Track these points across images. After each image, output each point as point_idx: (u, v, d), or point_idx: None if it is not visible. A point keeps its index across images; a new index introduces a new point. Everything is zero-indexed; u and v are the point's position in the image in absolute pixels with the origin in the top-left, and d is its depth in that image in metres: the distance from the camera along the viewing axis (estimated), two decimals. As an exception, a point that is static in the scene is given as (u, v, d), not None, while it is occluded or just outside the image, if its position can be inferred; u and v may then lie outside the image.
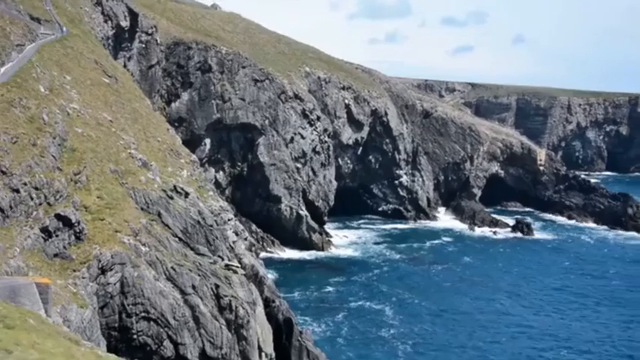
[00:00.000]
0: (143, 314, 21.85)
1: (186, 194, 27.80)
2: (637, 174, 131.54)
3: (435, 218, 78.17)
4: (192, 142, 53.87)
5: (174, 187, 27.64)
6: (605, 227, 76.91)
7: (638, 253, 65.70)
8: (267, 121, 60.03)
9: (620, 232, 74.61)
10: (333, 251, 61.19)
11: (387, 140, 76.04)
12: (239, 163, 60.07)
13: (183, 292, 23.19)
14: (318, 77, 68.91)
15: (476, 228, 74.45)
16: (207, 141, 57.42)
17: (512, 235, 71.68)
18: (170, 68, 55.37)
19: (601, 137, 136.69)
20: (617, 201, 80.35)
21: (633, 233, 73.79)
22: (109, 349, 20.06)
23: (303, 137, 63.00)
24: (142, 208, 25.24)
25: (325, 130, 65.80)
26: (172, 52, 55.54)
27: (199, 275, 24.05)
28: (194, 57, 55.78)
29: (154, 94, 52.43)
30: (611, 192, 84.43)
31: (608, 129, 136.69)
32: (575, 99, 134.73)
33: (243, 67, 58.74)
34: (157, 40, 52.66)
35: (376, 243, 65.37)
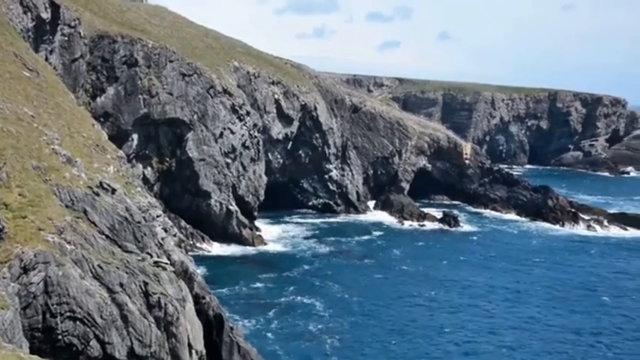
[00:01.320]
0: (68, 314, 21.28)
1: (113, 190, 27.20)
2: (556, 167, 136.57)
3: (364, 212, 79.07)
4: (118, 138, 52.65)
5: (101, 183, 27.00)
6: (527, 219, 79.42)
7: (558, 242, 68.16)
8: (195, 116, 59.30)
9: (541, 223, 77.22)
10: (264, 246, 61.10)
11: (317, 135, 76.39)
12: (167, 159, 59.13)
13: (110, 291, 22.71)
14: (248, 72, 68.52)
15: (404, 221, 75.70)
16: (135, 136, 56.25)
17: (439, 227, 73.24)
18: (95, 62, 53.88)
19: (523, 131, 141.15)
20: (538, 193, 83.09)
21: (553, 224, 76.42)
22: (32, 351, 19.45)
23: (232, 132, 62.56)
24: (66, 206, 24.54)
25: (255, 125, 65.54)
26: (97, 45, 54.05)
27: (127, 273, 23.60)
28: (119, 51, 54.49)
29: (78, 89, 50.93)
30: (533, 185, 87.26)
31: (529, 123, 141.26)
32: (498, 94, 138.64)
33: (171, 62, 57.79)
34: (80, 33, 51.13)
35: (306, 237, 65.65)
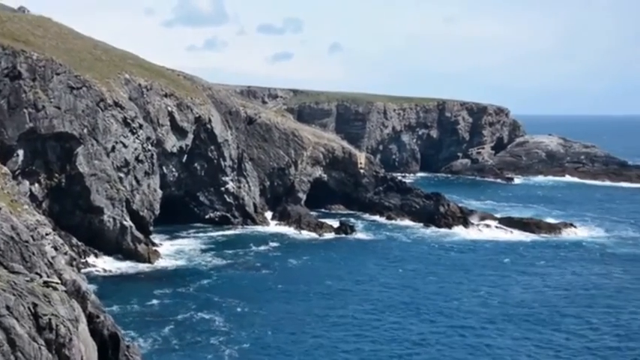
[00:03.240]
0: (-50, 341, 20.12)
1: (-3, 209, 26.00)
2: (447, 174, 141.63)
3: (262, 223, 79.07)
4: (2, 154, 50.32)
5: (-17, 202, 25.74)
6: (421, 225, 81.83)
7: (451, 246, 70.60)
8: (85, 130, 57.51)
9: (434, 228, 79.75)
10: (160, 262, 59.91)
11: (212, 147, 75.82)
12: (56, 175, 56.96)
13: (-4, 314, 21.63)
14: (139, 84, 67.18)
15: (302, 231, 76.28)
16: (20, 152, 53.81)
17: (336, 236, 74.24)
18: (-26, 74, 51.26)
19: (414, 140, 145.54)
20: (431, 200, 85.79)
21: (445, 229, 79.12)
22: None
23: (125, 146, 61.11)
24: (-55, 227, 23.24)
25: (148, 139, 64.31)
26: (-24, 57, 51.46)
27: (14, 295, 22.57)
28: (1, 63, 52.07)
29: (-44, 103, 48.31)
30: (425, 192, 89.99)
31: (420, 132, 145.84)
32: (390, 104, 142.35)
33: (58, 74, 55.79)
34: (-42, 44, 48.62)
35: (204, 251, 64.92)
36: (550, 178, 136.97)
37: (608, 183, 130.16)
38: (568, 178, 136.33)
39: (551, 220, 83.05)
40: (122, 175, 60.41)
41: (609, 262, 64.24)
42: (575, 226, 79.73)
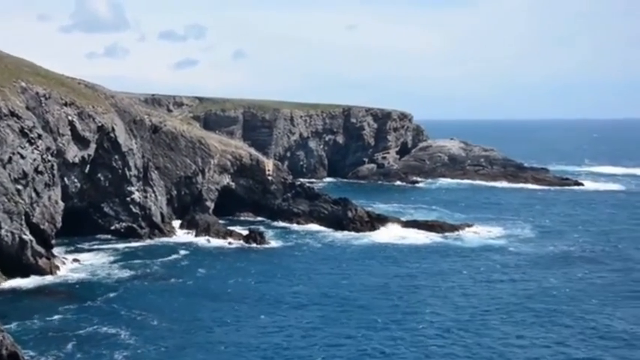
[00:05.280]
0: None
1: None
2: (354, 179, 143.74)
3: (170, 233, 77.92)
4: None
5: None
6: (330, 230, 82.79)
7: (360, 249, 71.79)
8: (-21, 141, 54.97)
9: (344, 233, 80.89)
10: (63, 276, 58.05)
11: (116, 157, 74.14)
12: (-52, 189, 54.18)
13: None
14: (37, 93, 64.87)
15: (211, 240, 75.65)
16: None
17: (246, 245, 74.02)
18: None
19: (321, 146, 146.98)
20: (339, 205, 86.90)
21: (353, 233, 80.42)
22: None
23: (23, 157, 58.80)
24: None
25: (48, 149, 62.16)
26: None
27: None
28: None
29: None
30: (333, 197, 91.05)
31: (327, 138, 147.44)
32: (296, 111, 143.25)
33: (-52, 83, 53.19)
34: None
35: (109, 263, 63.32)
36: (452, 180, 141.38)
37: (506, 184, 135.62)
38: (469, 180, 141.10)
39: (453, 222, 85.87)
40: (20, 187, 58.10)
41: (506, 261, 67.05)
42: (475, 227, 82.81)
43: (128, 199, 75.94)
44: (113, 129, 72.91)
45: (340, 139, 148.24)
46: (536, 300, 52.65)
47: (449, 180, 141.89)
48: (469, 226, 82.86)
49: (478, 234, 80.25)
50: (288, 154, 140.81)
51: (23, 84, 64.35)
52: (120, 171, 74.51)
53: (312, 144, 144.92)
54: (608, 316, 48.54)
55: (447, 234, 79.77)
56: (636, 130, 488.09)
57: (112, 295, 52.93)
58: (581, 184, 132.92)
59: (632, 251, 71.31)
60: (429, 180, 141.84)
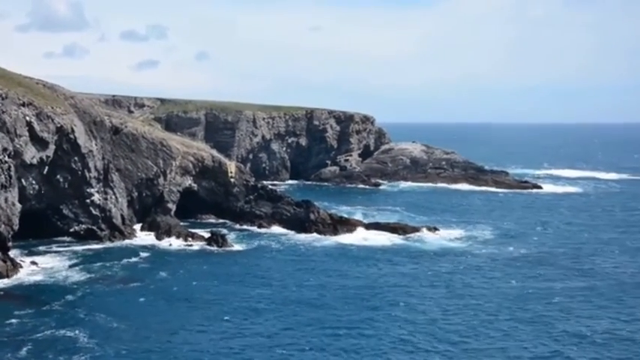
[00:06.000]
0: None
1: None
2: (316, 182, 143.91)
3: (130, 236, 77.08)
4: None
5: None
6: (292, 232, 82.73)
7: (322, 251, 71.93)
8: None
9: (306, 235, 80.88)
10: (20, 279, 57.00)
11: (76, 158, 73.05)
12: None
13: None
14: (-6, 92, 63.50)
15: (172, 243, 75.03)
16: None
17: (208, 247, 73.58)
18: None
19: (284, 149, 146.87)
20: (301, 208, 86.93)
21: (316, 235, 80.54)
22: None
23: (-22, 158, 57.57)
24: None
25: (5, 150, 60.97)
26: None
27: None
28: None
29: None
30: (296, 200, 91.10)
31: (290, 141, 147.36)
32: (259, 113, 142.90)
33: None
34: None
35: (68, 266, 62.34)
36: (414, 183, 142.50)
37: (467, 187, 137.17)
38: (431, 183, 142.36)
39: (415, 224, 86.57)
40: (-24, 188, 56.87)
41: (466, 262, 67.86)
42: (437, 229, 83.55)
43: (88, 201, 74.88)
44: (73, 130, 71.82)
45: (303, 141, 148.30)
46: (495, 301, 53.38)
47: (411, 183, 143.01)
48: (430, 228, 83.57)
49: (439, 236, 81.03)
50: (251, 156, 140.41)
51: (-21, 83, 62.98)
52: (79, 172, 73.43)
53: (274, 146, 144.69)
54: (566, 316, 49.46)
55: (408, 236, 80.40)
56: (593, 134, 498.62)
57: (70, 298, 52.14)
58: (540, 187, 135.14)
59: (589, 253, 72.75)
60: (392, 182, 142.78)
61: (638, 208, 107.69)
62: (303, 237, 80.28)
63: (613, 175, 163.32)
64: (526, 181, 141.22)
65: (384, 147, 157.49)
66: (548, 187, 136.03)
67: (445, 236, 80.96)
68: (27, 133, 66.18)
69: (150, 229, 79.82)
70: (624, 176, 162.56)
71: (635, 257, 70.69)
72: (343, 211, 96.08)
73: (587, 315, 49.92)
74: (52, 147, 69.57)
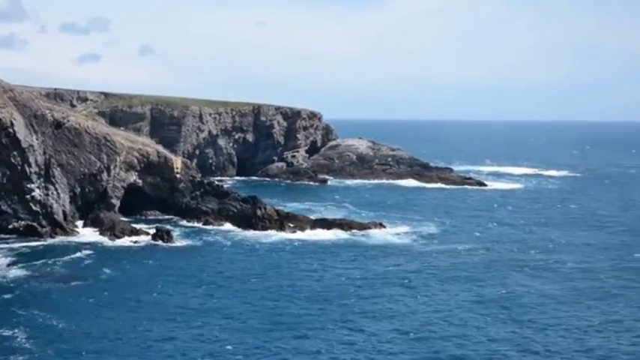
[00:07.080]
0: None
1: None
2: (263, 178, 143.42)
3: (73, 232, 75.50)
4: None
5: None
6: (239, 229, 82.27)
7: (268, 247, 71.81)
8: None
9: (253, 231, 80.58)
10: (-44, 278, 55.13)
11: (15, 153, 71.14)
12: None
13: None
14: None
15: (116, 239, 73.79)
16: None
17: (153, 243, 72.63)
18: None
19: (231, 144, 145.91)
20: (248, 204, 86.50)
21: (263, 232, 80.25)
22: None
23: None
24: None
25: (-61, 144, 58.89)
26: None
27: None
28: None
29: None
30: (243, 195, 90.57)
31: (236, 136, 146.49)
32: (206, 108, 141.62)
33: None
34: None
35: (7, 265, 60.60)
36: (361, 179, 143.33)
37: (412, 183, 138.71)
38: (377, 179, 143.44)
39: (361, 220, 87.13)
40: None
41: (411, 258, 68.71)
42: (383, 225, 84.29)
43: (28, 196, 72.98)
44: (12, 124, 69.90)
45: (250, 137, 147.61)
46: (440, 296, 54.17)
47: (357, 179, 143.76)
48: (376, 224, 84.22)
49: (385, 232, 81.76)
50: (197, 152, 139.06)
51: None
52: (19, 167, 71.52)
53: (221, 142, 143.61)
54: (508, 306, 50.55)
55: (354, 232, 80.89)
56: (533, 132, 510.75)
57: (8, 296, 50.74)
58: (484, 184, 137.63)
59: (529, 248, 74.49)
60: (338, 178, 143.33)
61: (578, 203, 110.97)
62: (249, 233, 79.95)
63: (553, 172, 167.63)
64: (470, 178, 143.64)
65: (330, 143, 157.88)
66: (491, 184, 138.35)
67: (391, 232, 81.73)
68: (-37, 127, 64.14)
69: (93, 226, 78.36)
70: (563, 173, 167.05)
71: (573, 252, 72.72)
72: (290, 207, 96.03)
73: (533, 304, 51.07)
74: (-10, 141, 67.56)
